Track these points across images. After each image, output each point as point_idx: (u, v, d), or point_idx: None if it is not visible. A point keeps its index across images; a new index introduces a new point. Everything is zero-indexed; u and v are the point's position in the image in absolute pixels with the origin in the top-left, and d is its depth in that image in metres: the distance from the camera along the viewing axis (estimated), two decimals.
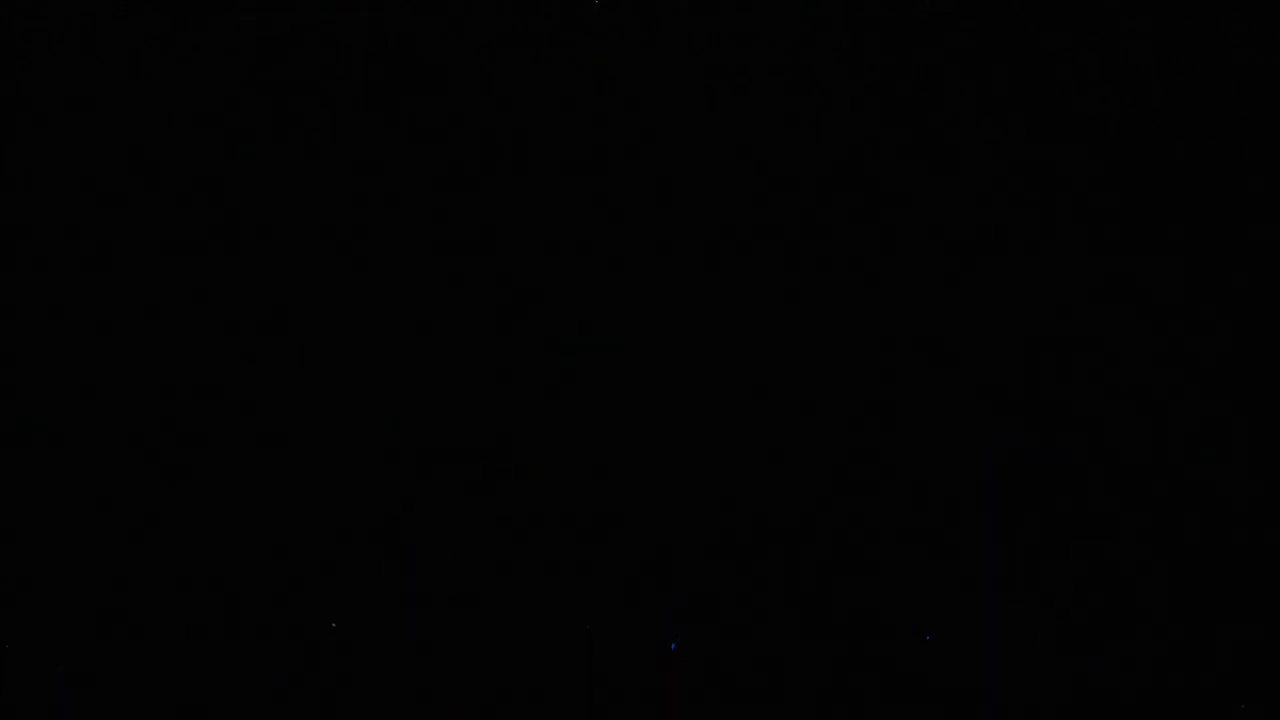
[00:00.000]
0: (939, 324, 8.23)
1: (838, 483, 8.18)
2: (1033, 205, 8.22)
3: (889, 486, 8.16)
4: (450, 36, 8.32)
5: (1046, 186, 8.22)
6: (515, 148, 8.32)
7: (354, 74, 8.31)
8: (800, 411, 8.24)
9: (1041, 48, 8.20)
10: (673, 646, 8.03)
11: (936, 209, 8.25)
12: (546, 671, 8.10)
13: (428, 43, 8.30)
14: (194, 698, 7.95)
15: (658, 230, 8.32)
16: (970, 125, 8.24)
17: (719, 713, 8.00)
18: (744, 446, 8.22)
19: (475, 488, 8.32)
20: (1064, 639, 8.00)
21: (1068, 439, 8.10)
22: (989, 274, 8.20)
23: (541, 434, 8.27)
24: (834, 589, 8.12)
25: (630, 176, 8.32)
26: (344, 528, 8.22)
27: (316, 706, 7.98)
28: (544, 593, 8.23)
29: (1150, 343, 8.12)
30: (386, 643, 8.13)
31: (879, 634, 8.08)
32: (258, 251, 8.25)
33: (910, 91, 8.28)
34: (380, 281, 8.30)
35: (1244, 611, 7.96)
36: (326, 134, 8.29)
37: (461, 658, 8.14)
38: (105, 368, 8.14)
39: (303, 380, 8.23)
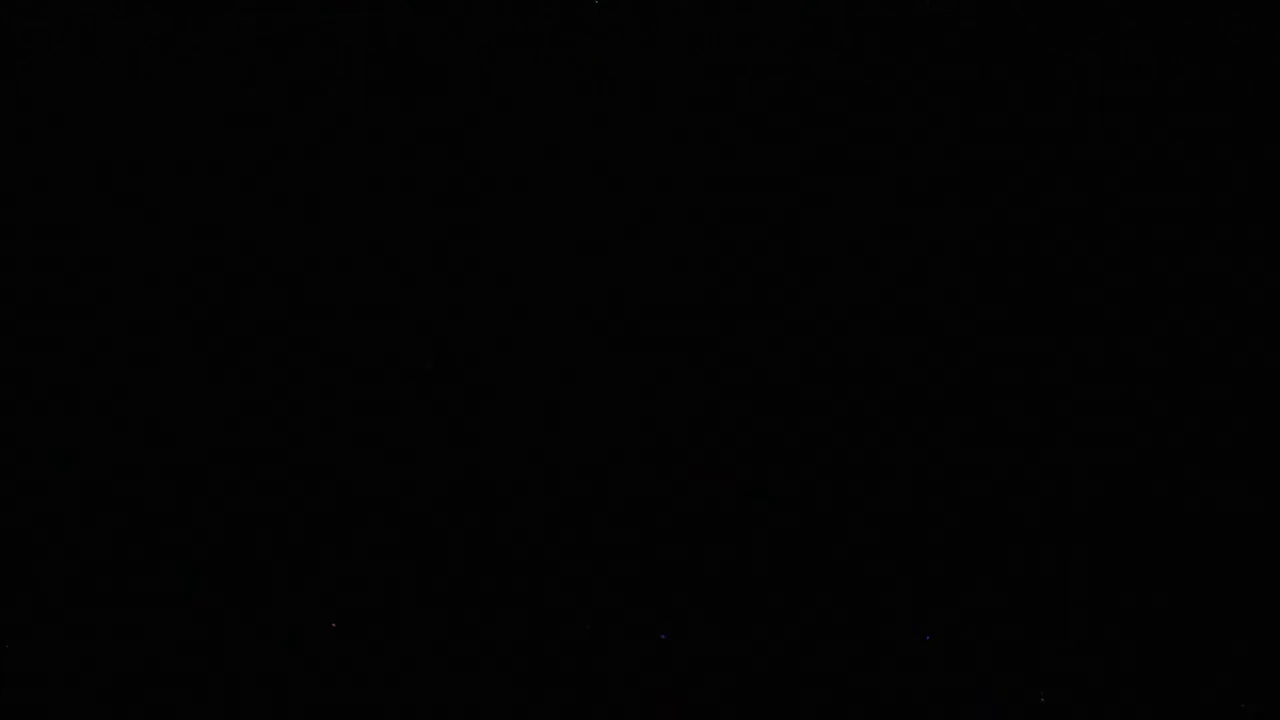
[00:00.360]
0: (940, 323, 8.24)
1: (836, 481, 8.20)
2: (1034, 205, 8.24)
3: (888, 485, 8.18)
4: (450, 36, 8.33)
5: (1047, 186, 8.24)
6: (515, 147, 8.34)
7: (354, 74, 8.32)
8: (798, 410, 8.25)
9: (1041, 48, 8.22)
10: (663, 637, 8.04)
11: (937, 208, 8.27)
12: (545, 671, 8.12)
13: (428, 43, 8.32)
14: (193, 697, 7.97)
15: (657, 230, 8.34)
16: (970, 125, 8.26)
17: (715, 713, 8.02)
18: (741, 444, 8.23)
19: (474, 486, 8.34)
20: (1062, 638, 8.01)
21: (1068, 439, 8.12)
22: (989, 273, 8.23)
23: (539, 434, 8.30)
24: (832, 588, 8.14)
25: (630, 176, 8.33)
26: (341, 526, 8.24)
27: (316, 707, 8.00)
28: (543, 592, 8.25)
29: (1150, 343, 8.13)
30: (385, 643, 8.15)
31: (878, 634, 8.09)
32: (257, 250, 8.28)
33: (911, 92, 8.30)
34: (378, 280, 8.33)
35: (1243, 611, 7.98)
36: (325, 133, 8.31)
37: (460, 657, 8.15)
38: (103, 367, 8.16)
39: (301, 380, 8.25)
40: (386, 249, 8.31)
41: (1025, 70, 8.19)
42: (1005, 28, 8.19)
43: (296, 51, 8.27)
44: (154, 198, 8.22)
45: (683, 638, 8.09)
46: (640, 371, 8.29)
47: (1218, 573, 8.01)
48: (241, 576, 8.10)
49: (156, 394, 8.18)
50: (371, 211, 8.31)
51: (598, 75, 8.33)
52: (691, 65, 8.33)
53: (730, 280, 8.29)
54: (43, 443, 8.09)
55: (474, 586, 8.26)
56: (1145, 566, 8.03)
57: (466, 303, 8.32)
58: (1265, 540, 7.99)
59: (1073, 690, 7.96)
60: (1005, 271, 8.21)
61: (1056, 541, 8.07)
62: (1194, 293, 8.13)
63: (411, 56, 8.32)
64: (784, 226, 8.29)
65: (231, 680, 7.95)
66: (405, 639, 8.12)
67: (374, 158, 8.29)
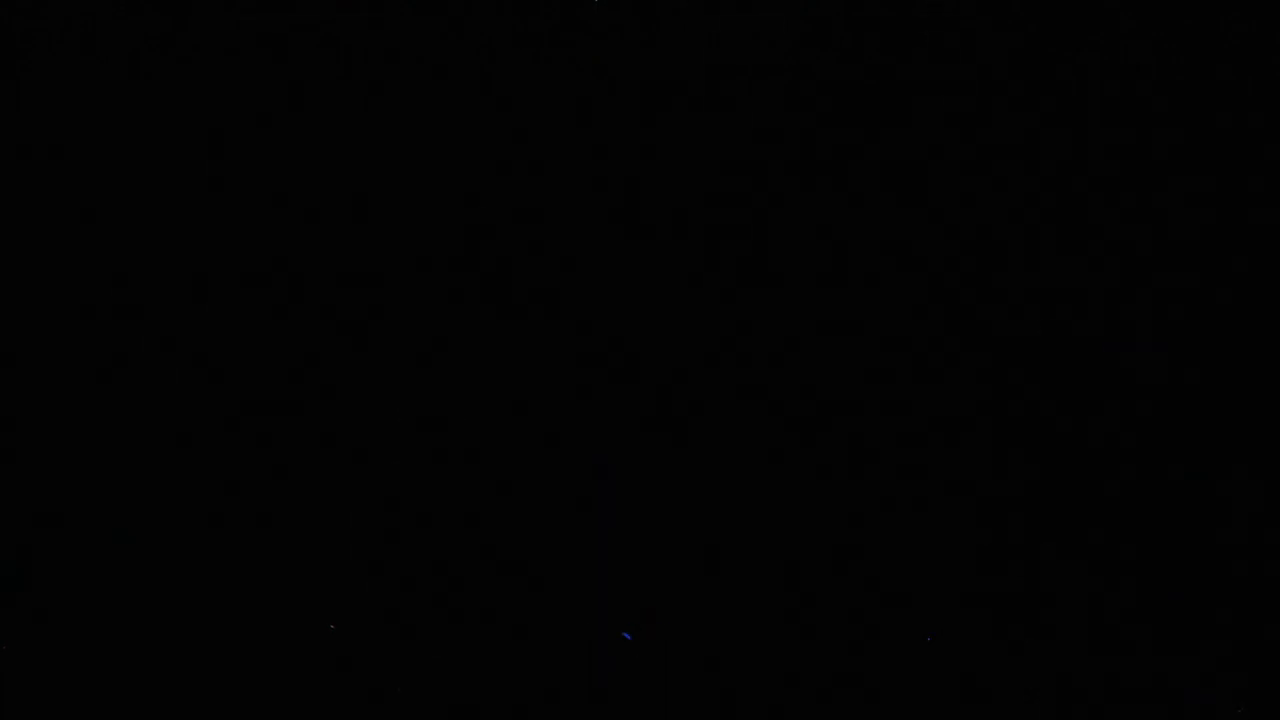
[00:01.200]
0: (941, 324, 8.23)
1: (835, 481, 8.19)
2: (1036, 205, 8.23)
3: (887, 485, 8.17)
4: (450, 36, 8.32)
5: (1047, 186, 8.23)
6: (515, 148, 8.33)
7: (354, 74, 8.32)
8: (796, 409, 8.24)
9: (1041, 47, 8.22)
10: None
11: (938, 209, 8.27)
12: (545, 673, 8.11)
13: (428, 42, 8.31)
14: (191, 698, 7.96)
15: (657, 230, 8.33)
16: (969, 124, 8.26)
17: (715, 713, 8.00)
18: (738, 443, 8.22)
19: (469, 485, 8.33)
20: (1060, 640, 8.00)
21: (1067, 440, 8.11)
22: (989, 273, 8.22)
23: (533, 434, 8.29)
24: (831, 589, 8.13)
25: (629, 176, 8.32)
26: (338, 527, 8.23)
27: (314, 707, 7.99)
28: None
29: (1151, 343, 8.13)
30: (382, 644, 8.14)
31: (877, 634, 8.09)
32: (255, 249, 8.27)
33: (911, 92, 8.29)
34: (376, 281, 8.32)
35: (1244, 613, 7.96)
36: (325, 134, 8.30)
37: (457, 659, 8.14)
38: (99, 367, 8.15)
39: (299, 379, 8.25)
40: (383, 248, 8.31)
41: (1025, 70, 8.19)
42: (1005, 27, 8.19)
43: (296, 51, 8.27)
44: (152, 197, 8.23)
45: (675, 639, 8.09)
46: (638, 372, 8.29)
47: (1218, 573, 8.00)
48: (239, 576, 8.11)
49: (153, 392, 8.18)
50: (369, 211, 8.31)
51: (598, 75, 8.32)
52: (692, 65, 8.32)
53: (729, 278, 8.29)
54: (38, 440, 8.10)
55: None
56: (1145, 566, 8.03)
57: (461, 302, 8.32)
58: (1265, 541, 7.99)
59: (1071, 691, 7.95)
60: (1005, 271, 8.20)
61: (1055, 542, 8.07)
62: (1194, 293, 8.13)
63: (412, 56, 8.32)
64: (784, 224, 8.28)
65: (229, 680, 7.95)
66: (400, 639, 8.12)
67: (373, 157, 8.29)
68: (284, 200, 8.30)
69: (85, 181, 8.25)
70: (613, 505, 8.16)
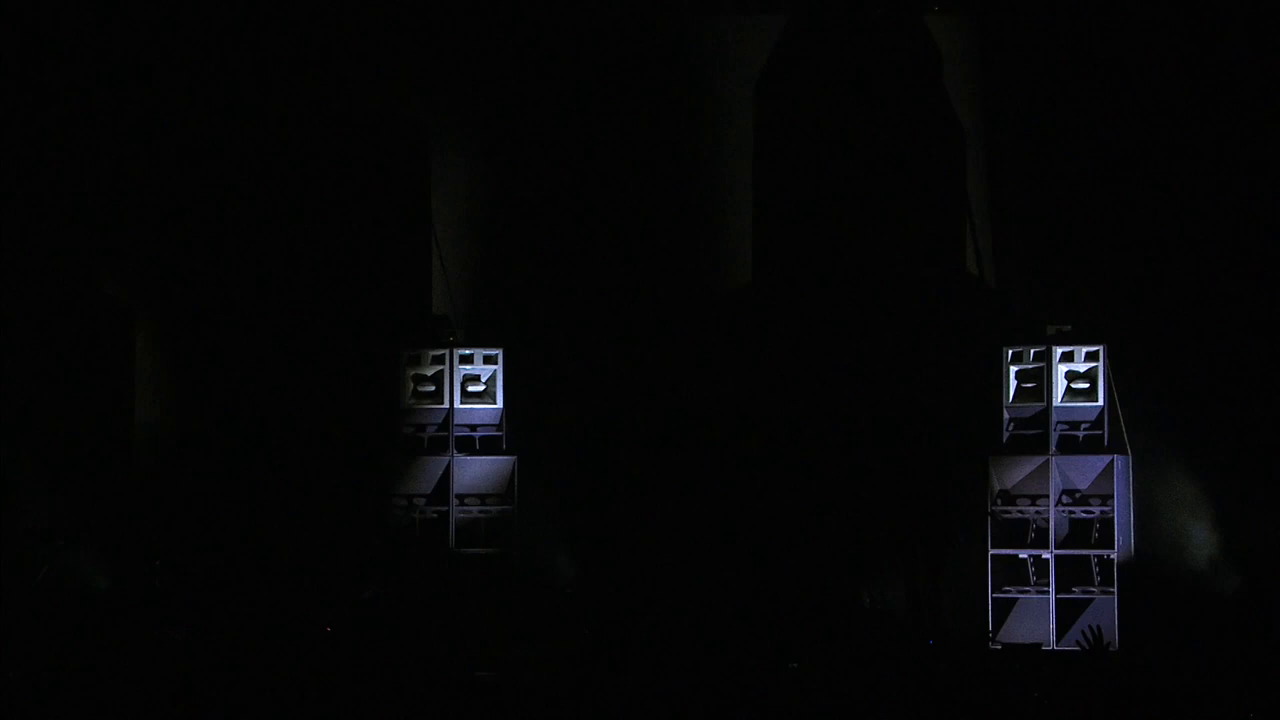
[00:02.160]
0: (943, 324, 8.23)
1: (835, 485, 8.17)
2: (1038, 205, 8.24)
3: (887, 488, 8.15)
4: (451, 36, 8.36)
5: (1050, 187, 8.24)
6: (515, 147, 8.36)
7: (353, 74, 8.35)
8: (796, 415, 8.23)
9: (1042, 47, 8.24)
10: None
11: (939, 210, 8.28)
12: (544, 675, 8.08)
13: (428, 42, 8.34)
14: (188, 697, 7.92)
15: (660, 230, 8.35)
16: (970, 125, 8.27)
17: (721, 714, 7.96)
18: (739, 447, 8.22)
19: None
20: (1063, 644, 7.97)
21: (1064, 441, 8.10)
22: (989, 274, 8.23)
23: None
24: (831, 593, 8.11)
25: (632, 176, 8.34)
26: (335, 527, 8.22)
27: (312, 707, 7.95)
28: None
29: (1151, 343, 8.11)
30: (376, 644, 8.12)
31: (880, 638, 8.05)
32: (255, 249, 8.29)
33: (913, 91, 8.31)
34: (373, 280, 8.33)
35: (1249, 621, 7.94)
36: (324, 133, 8.33)
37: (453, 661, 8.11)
38: (98, 365, 8.17)
39: (296, 377, 8.25)
40: (382, 247, 8.33)
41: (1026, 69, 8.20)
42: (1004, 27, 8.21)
43: (296, 51, 8.29)
44: (152, 196, 8.26)
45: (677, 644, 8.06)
46: (639, 374, 8.29)
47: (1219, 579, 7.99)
48: (237, 576, 8.09)
49: (151, 391, 8.19)
50: (369, 210, 8.33)
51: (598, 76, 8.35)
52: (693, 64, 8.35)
53: (731, 278, 8.30)
54: (37, 439, 8.11)
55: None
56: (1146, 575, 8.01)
57: (459, 301, 8.33)
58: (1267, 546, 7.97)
59: (1072, 696, 7.91)
60: (1005, 272, 8.21)
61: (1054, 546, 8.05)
62: (1197, 294, 8.12)
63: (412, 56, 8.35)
64: (787, 224, 8.30)
65: (226, 681, 7.92)
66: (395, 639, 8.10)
67: (373, 157, 8.31)
68: (282, 200, 8.33)
69: (85, 181, 8.28)
70: (613, 505, 8.16)
